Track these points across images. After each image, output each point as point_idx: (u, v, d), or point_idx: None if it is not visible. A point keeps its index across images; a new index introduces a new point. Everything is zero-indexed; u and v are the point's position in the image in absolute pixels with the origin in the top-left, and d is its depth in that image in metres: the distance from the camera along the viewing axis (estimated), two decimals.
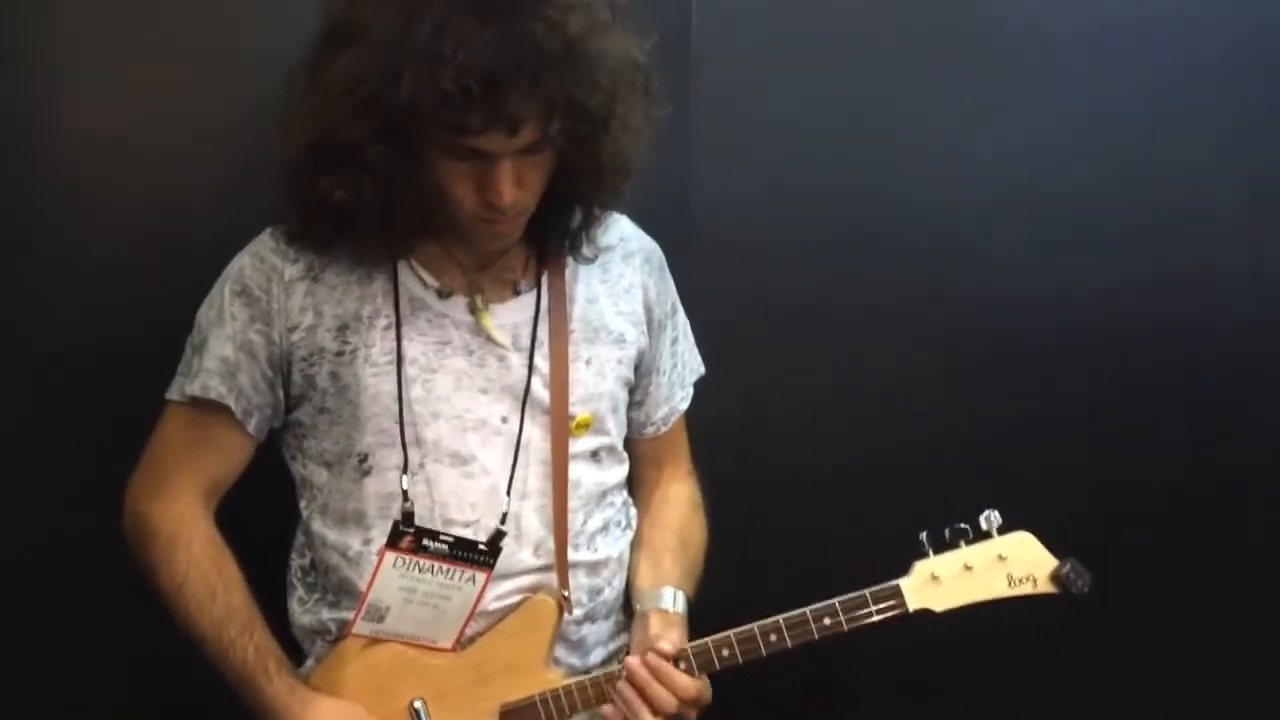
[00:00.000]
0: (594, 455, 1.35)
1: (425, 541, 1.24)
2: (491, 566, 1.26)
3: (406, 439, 1.26)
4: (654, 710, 1.23)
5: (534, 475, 1.30)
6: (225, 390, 1.27)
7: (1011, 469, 1.73)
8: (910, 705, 1.82)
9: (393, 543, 1.24)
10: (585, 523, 1.34)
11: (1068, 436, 1.78)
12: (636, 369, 1.40)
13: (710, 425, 1.53)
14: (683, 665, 1.25)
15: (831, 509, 1.75)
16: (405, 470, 1.26)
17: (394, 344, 1.26)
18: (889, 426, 1.76)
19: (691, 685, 1.24)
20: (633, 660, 1.25)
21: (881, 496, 1.73)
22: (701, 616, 1.33)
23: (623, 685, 1.24)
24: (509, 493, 1.28)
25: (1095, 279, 1.76)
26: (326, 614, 1.32)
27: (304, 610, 1.34)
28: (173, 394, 1.30)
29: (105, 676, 1.55)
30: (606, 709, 1.26)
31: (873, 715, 1.84)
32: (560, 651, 1.33)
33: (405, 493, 1.26)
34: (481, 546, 1.26)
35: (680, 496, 1.48)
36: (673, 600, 1.34)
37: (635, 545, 1.41)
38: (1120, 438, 1.79)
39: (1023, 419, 1.77)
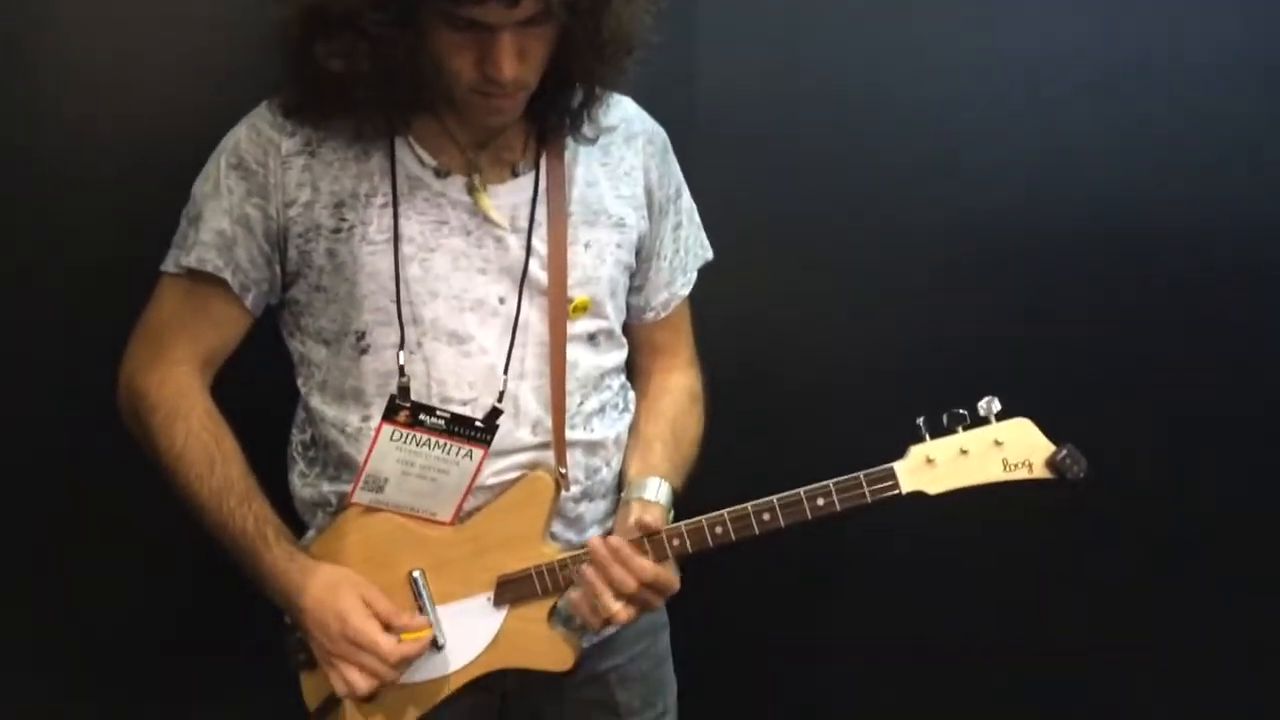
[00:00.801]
0: (591, 338, 1.35)
1: (421, 416, 1.24)
2: (488, 443, 1.27)
3: (404, 317, 1.25)
4: (615, 592, 1.25)
5: (531, 356, 1.30)
6: (222, 264, 1.26)
7: (1010, 360, 1.72)
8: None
9: (389, 416, 1.24)
10: (582, 404, 1.34)
11: (1067, 327, 1.77)
12: (637, 254, 1.38)
13: (709, 312, 1.52)
14: (675, 543, 1.26)
15: (831, 397, 1.75)
16: (402, 346, 1.26)
17: (391, 222, 1.25)
18: (890, 315, 1.76)
19: (649, 567, 1.25)
20: (594, 540, 1.26)
21: (881, 385, 1.72)
22: (698, 501, 1.34)
23: (585, 567, 1.26)
24: (506, 372, 1.28)
25: (1098, 169, 1.74)
26: (327, 487, 1.33)
27: (304, 484, 1.35)
28: (168, 266, 1.30)
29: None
30: (572, 593, 1.27)
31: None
32: (557, 527, 1.34)
33: (402, 368, 1.26)
34: (478, 423, 1.26)
35: (679, 386, 1.46)
36: (656, 490, 1.33)
37: (629, 433, 1.41)
38: (1122, 327, 1.78)
39: (1024, 308, 1.76)
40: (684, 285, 1.46)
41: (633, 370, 1.46)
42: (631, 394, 1.45)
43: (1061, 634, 1.88)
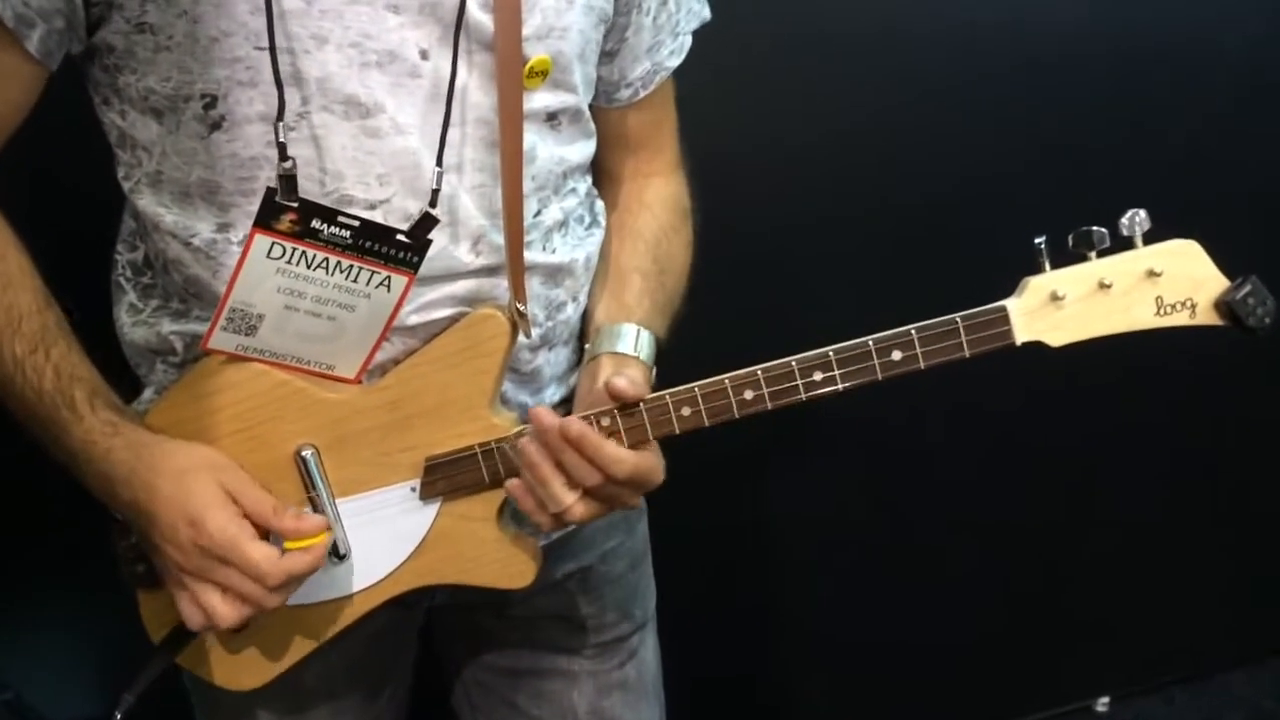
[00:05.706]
0: (551, 120, 0.97)
1: (316, 223, 0.84)
2: (415, 266, 0.89)
3: (280, 71, 0.85)
4: (571, 482, 0.90)
5: (471, 141, 0.92)
6: None
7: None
8: None
9: (265, 222, 0.84)
10: (539, 214, 0.98)
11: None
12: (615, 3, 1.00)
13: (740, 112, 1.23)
14: (685, 413, 0.89)
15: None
16: (280, 117, 0.85)
17: None
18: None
19: (624, 458, 0.90)
20: (537, 410, 0.90)
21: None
22: (694, 361, 0.97)
23: (524, 442, 0.90)
24: (440, 163, 0.89)
25: None
26: (170, 326, 0.96)
27: (136, 322, 0.99)
28: None
29: None
30: (511, 482, 0.92)
31: None
32: (507, 387, 0.98)
33: (283, 147, 0.85)
34: (401, 236, 0.87)
35: (662, 197, 1.11)
36: (634, 341, 0.99)
37: (598, 261, 1.07)
38: None
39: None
40: (673, 54, 1.08)
41: (598, 175, 1.10)
42: (600, 204, 1.09)
43: None
